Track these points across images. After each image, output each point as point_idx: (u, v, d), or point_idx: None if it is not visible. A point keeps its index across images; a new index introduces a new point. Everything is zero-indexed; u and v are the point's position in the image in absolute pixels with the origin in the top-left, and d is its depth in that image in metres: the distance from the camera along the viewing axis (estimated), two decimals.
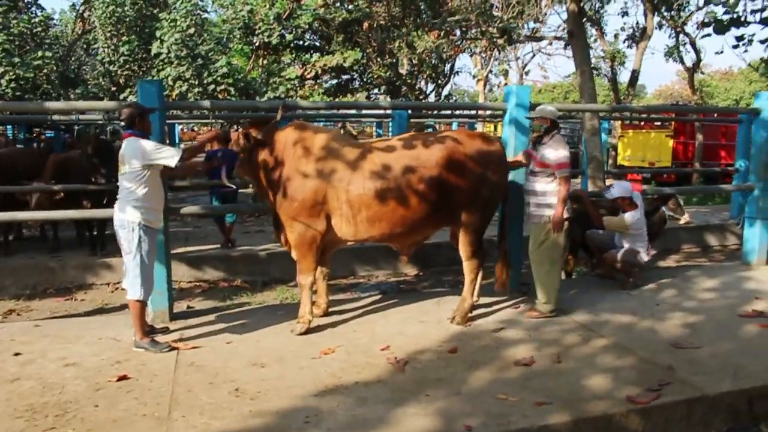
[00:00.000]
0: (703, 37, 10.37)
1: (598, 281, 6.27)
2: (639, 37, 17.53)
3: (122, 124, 4.40)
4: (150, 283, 4.39)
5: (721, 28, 7.09)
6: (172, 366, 4.03)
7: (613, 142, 18.00)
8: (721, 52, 11.62)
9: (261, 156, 4.67)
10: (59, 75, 16.35)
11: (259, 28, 16.02)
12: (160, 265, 4.80)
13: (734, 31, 7.30)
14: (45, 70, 14.55)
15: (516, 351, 4.30)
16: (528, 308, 5.22)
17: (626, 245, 5.87)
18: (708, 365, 4.02)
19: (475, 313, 5.06)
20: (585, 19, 14.71)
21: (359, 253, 7.67)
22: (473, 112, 15.78)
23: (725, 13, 7.09)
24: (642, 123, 17.66)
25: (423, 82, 20.66)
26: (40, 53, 14.56)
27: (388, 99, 17.01)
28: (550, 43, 20.47)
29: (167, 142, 5.17)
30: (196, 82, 13.46)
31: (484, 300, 5.32)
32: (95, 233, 7.68)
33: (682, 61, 19.46)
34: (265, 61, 16.94)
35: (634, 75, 18.15)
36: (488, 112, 13.18)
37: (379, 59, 17.35)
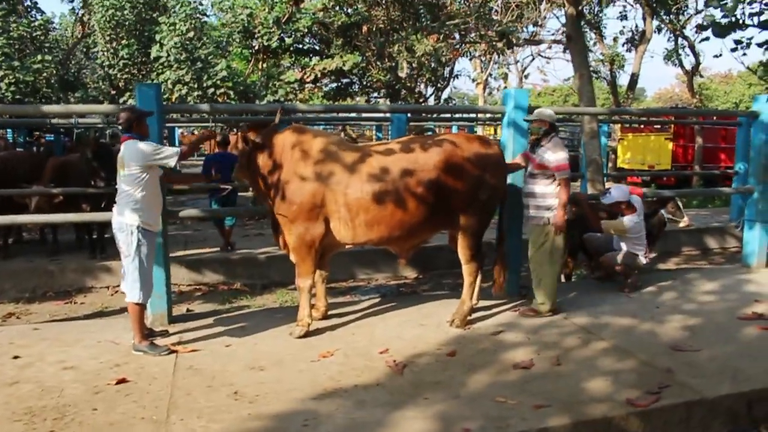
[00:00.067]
0: (701, 41, 10.39)
1: (597, 284, 6.27)
2: (638, 40, 17.58)
3: (120, 127, 4.40)
4: (149, 287, 4.39)
5: (720, 30, 7.10)
6: (170, 369, 4.02)
7: (612, 145, 18.02)
8: (720, 55, 11.70)
9: (259, 159, 4.67)
10: (59, 79, 16.35)
11: (259, 32, 16.03)
12: (159, 268, 4.79)
13: (733, 35, 7.32)
14: (45, 74, 14.57)
15: (515, 354, 4.30)
16: (525, 308, 5.23)
17: (625, 248, 5.87)
18: (707, 368, 4.01)
19: (474, 316, 5.05)
20: (584, 23, 14.75)
21: (359, 256, 7.67)
22: (473, 115, 15.80)
23: (723, 16, 7.10)
24: (641, 126, 17.69)
25: (422, 86, 20.67)
26: (39, 57, 14.58)
27: (388, 102, 17.02)
28: (550, 47, 20.48)
29: (167, 145, 5.19)
30: (196, 86, 13.47)
31: (483, 303, 5.31)
32: (95, 236, 7.69)
33: (681, 65, 19.51)
34: (265, 65, 16.95)
35: (634, 78, 18.20)
36: (488, 115, 13.19)
37: (378, 63, 17.36)
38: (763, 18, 7.25)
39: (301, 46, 18.07)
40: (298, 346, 4.48)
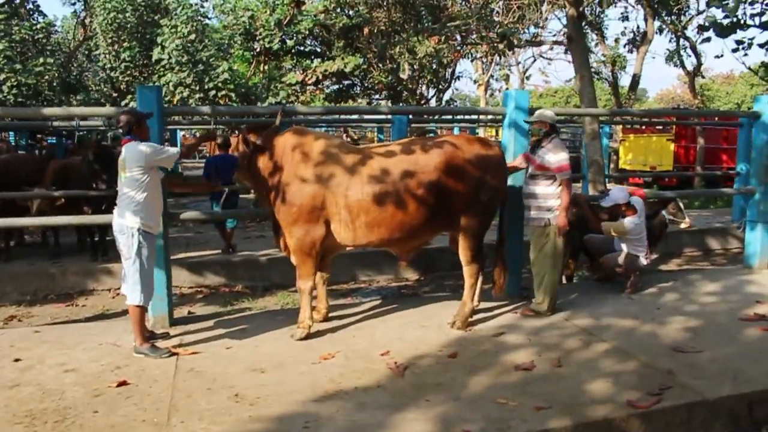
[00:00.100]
0: (703, 41, 10.40)
1: (598, 285, 6.26)
2: (639, 41, 17.59)
3: (120, 130, 4.41)
4: (150, 289, 4.39)
5: (722, 31, 7.11)
6: (171, 371, 4.02)
7: (614, 146, 18.01)
8: (721, 55, 11.74)
9: (260, 161, 4.67)
10: (61, 81, 16.38)
11: (260, 34, 16.05)
12: (160, 270, 4.80)
13: (734, 35, 7.32)
14: (47, 77, 14.60)
15: (516, 355, 4.29)
16: (525, 308, 5.24)
17: (626, 249, 5.86)
18: (708, 369, 4.00)
19: (475, 317, 5.05)
20: (585, 24, 14.75)
21: (360, 258, 7.66)
22: (474, 116, 15.81)
23: (725, 17, 7.10)
24: (643, 127, 17.68)
25: (424, 87, 20.69)
26: (41, 60, 14.60)
27: (389, 104, 17.04)
28: (551, 48, 20.51)
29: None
30: (197, 88, 13.48)
31: (484, 305, 5.31)
32: (96, 239, 7.69)
33: (682, 65, 19.50)
34: (266, 67, 16.98)
35: (635, 79, 18.20)
36: (489, 117, 13.20)
37: (379, 64, 17.38)
38: (764, 18, 7.26)
39: (302, 48, 18.10)
40: (299, 348, 4.48)
